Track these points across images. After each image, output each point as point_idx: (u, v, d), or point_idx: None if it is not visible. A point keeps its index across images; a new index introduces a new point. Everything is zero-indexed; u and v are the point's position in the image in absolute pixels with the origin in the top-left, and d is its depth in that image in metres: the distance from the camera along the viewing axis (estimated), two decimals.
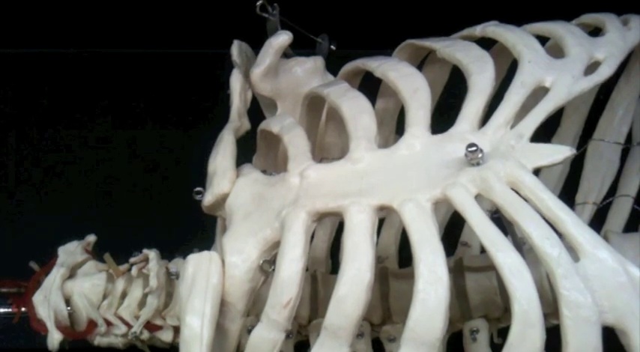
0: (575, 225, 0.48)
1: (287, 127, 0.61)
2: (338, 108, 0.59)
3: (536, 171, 0.52)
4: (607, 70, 0.58)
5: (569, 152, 0.51)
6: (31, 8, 0.96)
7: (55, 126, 0.98)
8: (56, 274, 0.67)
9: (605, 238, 0.66)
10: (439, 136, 0.55)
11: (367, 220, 0.51)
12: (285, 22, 0.67)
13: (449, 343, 0.72)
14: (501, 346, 0.47)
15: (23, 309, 0.68)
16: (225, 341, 0.55)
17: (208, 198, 0.59)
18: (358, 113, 0.58)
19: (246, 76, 0.66)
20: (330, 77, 0.69)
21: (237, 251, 0.54)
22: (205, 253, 0.54)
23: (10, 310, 0.70)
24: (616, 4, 0.67)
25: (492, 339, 0.72)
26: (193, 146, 0.73)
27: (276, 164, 0.67)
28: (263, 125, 0.65)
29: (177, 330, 0.67)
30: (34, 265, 0.70)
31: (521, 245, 0.55)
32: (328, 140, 0.71)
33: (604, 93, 0.77)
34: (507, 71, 0.67)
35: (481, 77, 0.57)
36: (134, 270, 0.69)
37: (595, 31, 0.64)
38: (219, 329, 0.54)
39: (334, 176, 0.55)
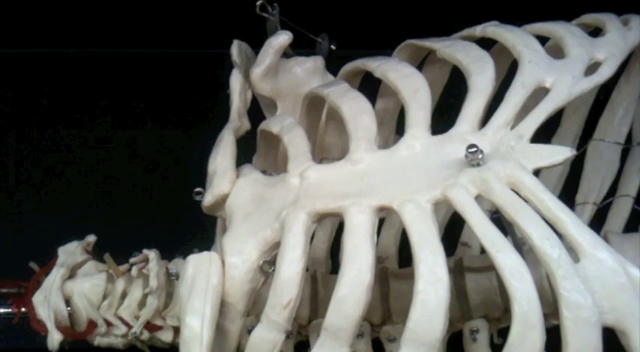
0: (575, 225, 0.48)
1: (287, 127, 0.61)
2: (338, 109, 0.59)
3: (537, 172, 0.52)
4: (607, 70, 0.58)
5: (569, 153, 0.51)
6: (31, 8, 0.96)
7: (55, 126, 0.98)
8: (56, 274, 0.67)
9: (605, 238, 0.66)
10: (439, 137, 0.55)
11: (367, 221, 0.51)
12: (285, 21, 0.67)
13: (449, 343, 0.72)
14: (501, 346, 0.47)
15: (23, 309, 0.68)
16: (225, 342, 0.55)
17: (208, 199, 0.59)
18: (358, 113, 0.58)
19: (246, 75, 0.66)
20: (330, 77, 0.69)
21: (237, 251, 0.54)
22: (205, 254, 0.54)
23: (10, 310, 0.70)
24: (616, 4, 0.67)
25: (492, 339, 0.72)
26: (193, 146, 0.73)
27: (276, 164, 0.67)
28: (263, 125, 0.65)
29: (177, 331, 0.67)
30: (33, 265, 0.70)
31: (521, 245, 0.55)
32: (328, 140, 0.71)
33: (604, 94, 0.77)
34: (507, 71, 0.67)
35: (481, 77, 0.57)
36: (134, 270, 0.69)
37: (595, 31, 0.64)
38: (219, 330, 0.54)
39: (334, 177, 0.55)
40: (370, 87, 0.68)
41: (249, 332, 0.53)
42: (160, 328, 0.68)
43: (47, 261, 0.70)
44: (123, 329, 0.68)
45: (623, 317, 0.46)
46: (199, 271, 0.53)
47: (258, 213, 0.56)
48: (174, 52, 1.00)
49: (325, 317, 0.50)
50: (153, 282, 0.67)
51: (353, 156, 0.56)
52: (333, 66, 0.69)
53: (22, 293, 0.69)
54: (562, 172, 0.78)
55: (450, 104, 0.65)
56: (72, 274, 0.69)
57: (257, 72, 0.64)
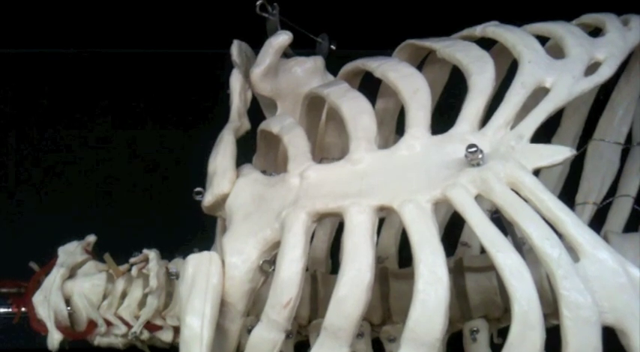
0: (575, 225, 0.48)
1: (287, 127, 0.61)
2: (338, 109, 0.59)
3: (537, 172, 0.52)
4: (607, 70, 0.58)
5: (569, 153, 0.51)
6: (31, 8, 0.96)
7: (55, 126, 0.98)
8: (56, 274, 0.67)
9: (605, 238, 0.66)
10: (439, 137, 0.55)
11: (367, 221, 0.51)
12: (285, 21, 0.67)
13: (449, 343, 0.72)
14: (501, 346, 0.47)
15: (23, 309, 0.68)
16: (225, 342, 0.55)
17: (208, 199, 0.59)
18: (358, 113, 0.58)
19: (246, 75, 0.66)
20: (330, 77, 0.69)
21: (237, 251, 0.54)
22: (205, 253, 0.54)
23: (10, 310, 0.70)
24: (616, 4, 0.67)
25: (492, 339, 0.72)
26: (193, 146, 0.73)
27: (276, 164, 0.67)
28: (263, 125, 0.65)
29: (177, 330, 0.67)
30: (34, 265, 0.70)
31: (521, 245, 0.55)
32: (328, 140, 0.71)
33: (604, 94, 0.77)
34: (507, 71, 0.67)
35: (481, 77, 0.57)
36: (134, 270, 0.69)
37: (595, 31, 0.64)
38: (219, 330, 0.54)
39: (334, 177, 0.55)
40: (370, 87, 0.68)
41: (249, 331, 0.53)
42: (159, 328, 0.68)
43: (47, 261, 0.69)
44: (123, 328, 0.68)
45: (623, 317, 0.46)
46: (199, 271, 0.53)
47: (258, 213, 0.56)
48: (174, 52, 1.00)
49: (325, 316, 0.50)
50: (153, 282, 0.67)
51: (353, 156, 0.56)
52: (333, 66, 0.69)
53: (22, 293, 0.69)
54: (562, 172, 0.78)
55: (450, 104, 0.65)
56: (72, 274, 0.69)
57: (257, 72, 0.64)
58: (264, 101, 0.68)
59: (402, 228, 0.55)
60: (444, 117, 0.58)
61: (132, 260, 0.69)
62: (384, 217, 0.78)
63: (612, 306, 0.47)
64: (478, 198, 0.51)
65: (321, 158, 0.71)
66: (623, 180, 0.76)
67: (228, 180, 0.58)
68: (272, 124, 0.63)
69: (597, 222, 0.75)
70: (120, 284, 0.69)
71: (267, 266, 0.54)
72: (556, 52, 0.60)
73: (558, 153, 0.52)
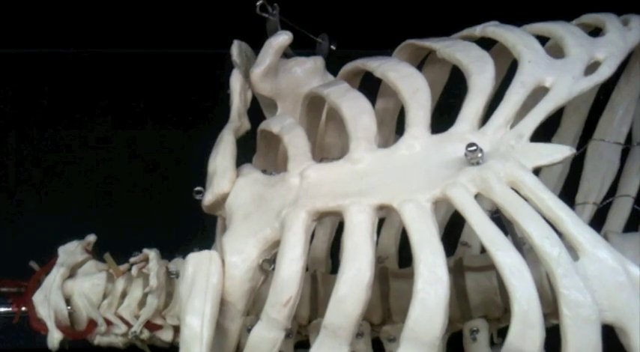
0: (574, 224, 0.48)
1: (287, 127, 0.61)
2: (338, 109, 0.59)
3: (536, 171, 0.52)
4: (607, 70, 0.58)
5: (568, 151, 0.52)
6: (31, 8, 0.96)
7: (55, 126, 0.98)
8: (56, 273, 0.67)
9: (605, 238, 0.66)
10: (439, 136, 0.55)
11: (367, 220, 0.51)
12: (285, 22, 0.67)
13: (449, 343, 0.72)
14: (501, 346, 0.47)
15: (23, 309, 0.68)
16: (225, 341, 0.55)
17: (208, 198, 0.59)
18: (358, 113, 0.58)
19: (246, 75, 0.66)
20: (330, 77, 0.69)
21: (237, 251, 0.54)
22: (205, 252, 0.54)
23: (10, 309, 0.70)
24: (616, 4, 0.67)
25: (492, 339, 0.72)
26: (193, 146, 0.73)
27: (276, 164, 0.67)
28: (263, 125, 0.65)
29: (177, 330, 0.67)
30: (34, 265, 0.70)
31: (521, 245, 0.55)
32: (328, 140, 0.71)
33: (604, 94, 0.77)
34: (507, 71, 0.67)
35: (481, 77, 0.57)
36: (134, 270, 0.69)
37: (595, 31, 0.64)
38: (219, 329, 0.54)
39: (334, 176, 0.55)
40: (370, 87, 0.68)
41: (249, 331, 0.53)
42: (160, 327, 0.68)
43: (47, 261, 0.69)
44: (123, 328, 0.68)
45: (622, 316, 0.46)
46: (199, 270, 0.53)
47: (258, 213, 0.56)
48: (174, 52, 1.00)
49: (325, 315, 0.50)
50: (153, 281, 0.67)
51: (353, 155, 0.56)
52: (333, 66, 0.69)
53: (22, 293, 0.69)
54: (562, 172, 0.78)
55: (450, 104, 0.65)
56: (72, 273, 0.69)
57: (257, 72, 0.64)
58: (264, 101, 0.68)
59: (402, 228, 0.55)
60: (444, 117, 0.58)
61: (132, 259, 0.69)
62: (384, 217, 0.78)
63: (612, 305, 0.47)
64: (478, 198, 0.51)
65: (321, 158, 0.71)
66: (623, 180, 0.77)
67: (228, 179, 0.59)
68: (272, 124, 0.63)
69: (597, 222, 0.75)
70: (120, 284, 0.69)
71: (267, 265, 0.54)
72: (556, 52, 0.60)
73: (558, 151, 0.52)
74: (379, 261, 0.75)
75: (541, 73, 0.57)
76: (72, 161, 0.96)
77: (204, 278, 0.53)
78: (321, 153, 0.71)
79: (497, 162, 0.51)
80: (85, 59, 1.01)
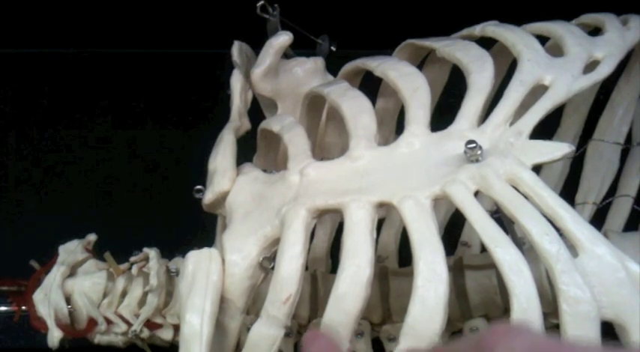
0: (574, 221, 0.48)
1: (287, 126, 0.61)
2: (338, 108, 0.59)
3: (536, 170, 0.52)
4: (606, 68, 0.58)
5: (567, 149, 0.52)
6: (31, 8, 0.96)
7: (55, 126, 0.98)
8: (57, 272, 0.67)
9: (605, 237, 0.66)
10: (438, 134, 0.55)
11: (367, 217, 0.51)
12: (285, 22, 0.67)
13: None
14: None
15: (23, 308, 0.68)
16: (225, 339, 0.55)
17: (209, 197, 0.59)
18: (358, 112, 0.58)
19: (247, 76, 0.66)
20: (330, 77, 0.69)
21: (238, 249, 0.55)
22: (205, 250, 0.54)
23: (10, 308, 0.70)
24: (616, 4, 0.67)
25: None
26: (193, 146, 0.73)
27: (276, 163, 0.67)
28: (263, 124, 0.65)
29: (177, 329, 0.67)
30: (34, 264, 0.70)
31: (521, 244, 0.55)
32: (328, 140, 0.71)
33: (604, 94, 0.77)
34: (507, 70, 0.68)
35: (480, 76, 0.57)
36: (134, 269, 0.69)
37: (595, 31, 0.64)
38: (219, 327, 0.54)
39: (334, 174, 0.55)
40: (370, 86, 0.68)
41: (249, 330, 0.53)
42: (160, 326, 0.68)
43: (47, 261, 0.69)
44: (123, 327, 0.68)
45: (621, 312, 0.47)
46: (199, 268, 0.53)
47: (259, 211, 0.56)
48: (174, 52, 1.00)
49: (324, 312, 0.50)
50: (153, 280, 0.67)
51: (353, 153, 0.56)
52: (333, 66, 0.69)
53: (22, 291, 0.69)
54: (562, 172, 0.78)
55: (449, 104, 0.65)
56: (72, 272, 0.69)
57: (257, 72, 0.64)
58: (265, 101, 0.68)
59: (402, 227, 0.55)
60: (444, 117, 0.58)
61: (132, 259, 0.69)
62: (384, 217, 0.78)
63: (611, 301, 0.47)
64: (478, 197, 0.51)
65: (322, 158, 0.71)
66: (623, 180, 0.77)
67: (228, 178, 0.59)
68: (272, 123, 0.63)
69: (597, 222, 0.75)
70: (120, 283, 0.69)
71: (267, 262, 0.54)
72: (556, 51, 0.60)
73: (557, 149, 0.52)
74: (379, 260, 0.75)
75: (540, 72, 0.57)
76: (72, 161, 0.96)
77: (205, 276, 0.53)
78: (322, 153, 0.71)
79: (496, 159, 0.51)
80: (85, 59, 1.01)
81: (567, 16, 0.67)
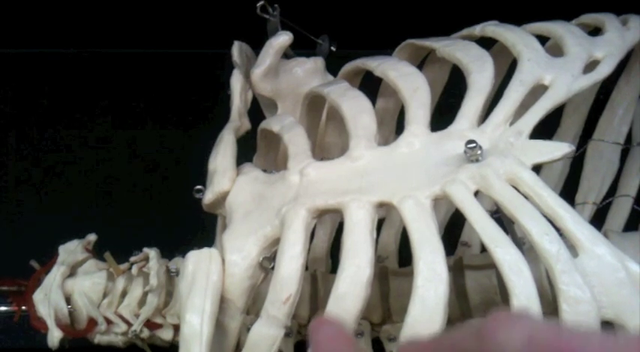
0: (574, 221, 0.48)
1: (287, 126, 0.61)
2: (338, 108, 0.59)
3: (536, 170, 0.52)
4: (606, 68, 0.58)
5: (568, 149, 0.52)
6: (31, 8, 0.96)
7: (55, 126, 0.98)
8: (57, 272, 0.67)
9: (605, 237, 0.66)
10: (438, 134, 0.55)
11: (367, 217, 0.51)
12: (285, 22, 0.67)
13: None
14: None
15: (23, 308, 0.68)
16: (225, 339, 0.55)
17: (209, 197, 0.59)
18: (358, 112, 0.58)
19: (247, 76, 0.66)
20: (330, 77, 0.69)
21: (238, 249, 0.55)
22: (205, 250, 0.54)
23: (10, 308, 0.70)
24: (616, 4, 0.67)
25: None
26: (193, 146, 0.73)
27: (276, 164, 0.67)
28: (263, 124, 0.65)
29: (177, 329, 0.67)
30: (34, 264, 0.70)
31: (521, 244, 0.55)
32: (328, 140, 0.71)
33: (604, 93, 0.77)
34: (507, 70, 0.68)
35: (480, 76, 0.57)
36: (134, 269, 0.69)
37: (595, 31, 0.64)
38: (219, 327, 0.54)
39: (334, 174, 0.55)
40: (370, 86, 0.68)
41: (249, 330, 0.53)
42: (160, 326, 0.68)
43: (47, 261, 0.69)
44: (123, 327, 0.68)
45: (622, 312, 0.47)
46: (199, 268, 0.53)
47: (259, 211, 0.56)
48: (174, 52, 1.00)
49: (324, 312, 0.50)
50: (153, 280, 0.67)
51: (353, 153, 0.56)
52: (333, 66, 0.69)
53: (22, 291, 0.69)
54: (562, 172, 0.78)
55: (450, 104, 0.65)
56: (72, 272, 0.69)
57: (257, 72, 0.64)
58: (265, 101, 0.68)
59: (403, 227, 0.55)
60: (444, 117, 0.58)
61: (132, 258, 0.69)
62: (384, 217, 0.78)
63: (611, 301, 0.47)
64: (478, 197, 0.51)
65: (322, 158, 0.71)
66: (623, 180, 0.77)
67: (228, 178, 0.59)
68: (272, 123, 0.63)
69: (597, 222, 0.75)
70: (120, 283, 0.69)
71: (267, 262, 0.54)
72: (555, 51, 0.60)
73: (557, 149, 0.52)
74: (379, 260, 0.75)
75: (540, 72, 0.57)
76: (72, 161, 0.96)
77: (204, 276, 0.53)
78: (322, 153, 0.71)
79: (496, 159, 0.51)
80: (85, 59, 1.01)
81: (567, 16, 0.67)
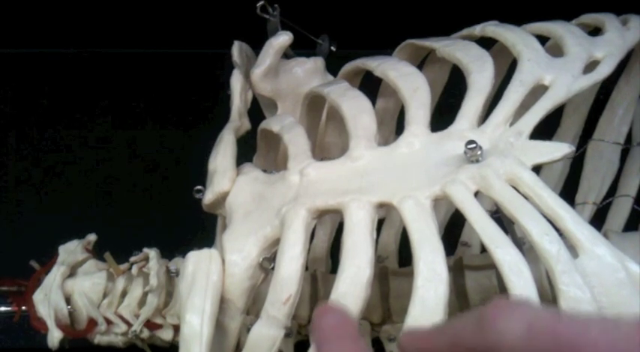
0: (573, 221, 0.48)
1: (287, 126, 0.61)
2: (338, 108, 0.59)
3: (536, 170, 0.52)
4: (606, 68, 0.58)
5: (567, 149, 0.52)
6: (31, 8, 0.96)
7: (55, 126, 0.98)
8: (57, 273, 0.67)
9: (605, 237, 0.66)
10: (438, 134, 0.55)
11: (367, 217, 0.51)
12: (285, 22, 0.67)
13: None
14: None
15: (23, 308, 0.68)
16: (225, 339, 0.55)
17: (209, 197, 0.59)
18: (358, 112, 0.58)
19: (247, 76, 0.66)
20: (330, 78, 0.69)
21: (237, 249, 0.55)
22: (205, 251, 0.54)
23: (10, 309, 0.70)
24: (616, 4, 0.67)
25: None
26: (193, 146, 0.73)
27: (276, 164, 0.67)
28: (263, 124, 0.65)
29: (177, 329, 0.67)
30: (34, 264, 0.70)
31: (521, 244, 0.55)
32: (328, 140, 0.71)
33: (604, 94, 0.77)
34: (507, 70, 0.68)
35: (480, 76, 0.57)
36: (134, 269, 0.69)
37: (595, 31, 0.64)
38: (219, 327, 0.54)
39: (334, 174, 0.55)
40: (370, 86, 0.68)
41: (249, 330, 0.53)
42: (160, 326, 0.68)
43: (47, 261, 0.69)
44: (123, 327, 0.68)
45: (622, 312, 0.46)
46: (199, 268, 0.53)
47: (259, 211, 0.56)
48: (174, 52, 1.00)
49: None
50: (153, 281, 0.67)
51: (353, 153, 0.56)
52: (333, 66, 0.69)
53: (22, 292, 0.69)
54: (562, 172, 0.78)
55: (450, 104, 0.65)
56: (72, 272, 0.69)
57: (257, 72, 0.64)
58: (265, 101, 0.68)
59: (403, 227, 0.55)
60: (444, 117, 0.58)
61: (132, 259, 0.69)
62: (384, 217, 0.78)
63: (611, 301, 0.47)
64: (478, 197, 0.51)
65: (322, 158, 0.71)
66: (623, 180, 0.77)
67: (228, 178, 0.59)
68: (272, 123, 0.63)
69: (597, 222, 0.75)
70: (120, 283, 0.69)
71: (267, 263, 0.54)
72: (556, 51, 0.60)
73: (557, 149, 0.52)
74: (379, 260, 0.75)
75: (540, 72, 0.57)
76: (72, 161, 0.96)
77: (204, 276, 0.53)
78: (322, 153, 0.71)
79: (496, 159, 0.51)
80: (85, 59, 1.01)
81: (567, 16, 0.67)
